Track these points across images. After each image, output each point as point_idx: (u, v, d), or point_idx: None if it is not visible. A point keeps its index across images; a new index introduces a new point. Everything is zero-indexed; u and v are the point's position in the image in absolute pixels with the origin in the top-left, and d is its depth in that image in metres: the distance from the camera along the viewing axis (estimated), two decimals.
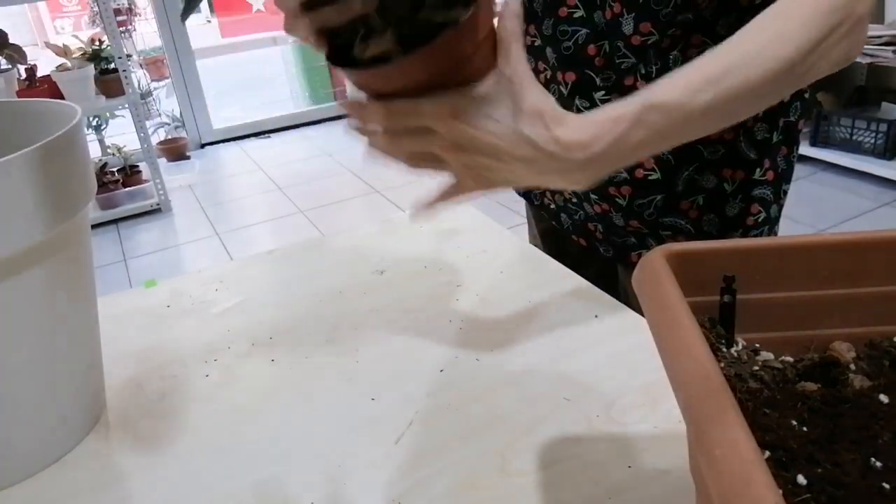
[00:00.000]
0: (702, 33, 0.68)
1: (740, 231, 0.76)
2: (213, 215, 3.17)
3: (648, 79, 0.71)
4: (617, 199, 0.77)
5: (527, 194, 0.93)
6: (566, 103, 0.77)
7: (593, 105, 0.74)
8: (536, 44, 0.78)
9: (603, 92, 0.73)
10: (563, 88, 0.76)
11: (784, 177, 0.76)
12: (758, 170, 0.74)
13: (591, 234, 0.83)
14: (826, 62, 0.50)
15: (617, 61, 0.71)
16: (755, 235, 0.76)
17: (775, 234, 0.80)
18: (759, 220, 0.76)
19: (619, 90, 0.73)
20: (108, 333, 0.66)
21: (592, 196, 0.79)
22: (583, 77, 0.74)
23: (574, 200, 0.83)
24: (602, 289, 0.74)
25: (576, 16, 0.71)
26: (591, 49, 0.71)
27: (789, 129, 0.74)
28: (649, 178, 0.74)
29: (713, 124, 0.49)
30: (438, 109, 0.45)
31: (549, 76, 0.78)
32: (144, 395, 0.64)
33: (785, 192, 0.78)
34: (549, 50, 0.76)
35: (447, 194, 0.53)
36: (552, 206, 0.88)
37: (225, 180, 3.65)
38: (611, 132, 0.46)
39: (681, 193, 0.75)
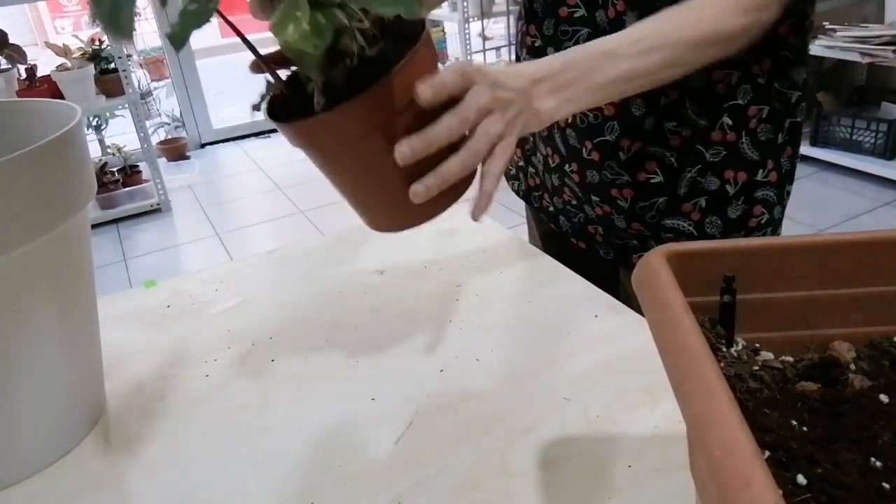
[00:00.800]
0: None
1: (743, 233, 0.76)
2: (213, 215, 3.17)
3: None
4: (619, 202, 0.77)
5: (527, 197, 0.93)
6: None
7: (595, 107, 0.74)
8: (537, 44, 0.77)
9: None
10: None
11: (787, 178, 0.76)
12: (760, 171, 0.74)
13: (591, 236, 0.83)
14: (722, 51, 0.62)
15: None
16: (757, 237, 0.76)
17: (778, 235, 0.80)
18: (763, 221, 0.76)
19: None
20: (108, 333, 0.66)
21: (594, 198, 0.79)
22: None
23: (574, 203, 0.82)
24: (604, 289, 0.74)
25: (577, 15, 0.71)
26: None
27: (795, 130, 0.74)
28: (651, 180, 0.74)
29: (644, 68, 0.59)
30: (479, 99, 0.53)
31: None
32: (144, 395, 0.64)
33: (788, 193, 0.78)
34: (550, 51, 0.76)
35: (488, 182, 0.56)
36: (551, 208, 0.88)
37: (225, 180, 3.65)
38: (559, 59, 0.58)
39: (683, 196, 0.75)
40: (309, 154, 0.55)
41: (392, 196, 0.54)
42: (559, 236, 0.89)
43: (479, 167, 0.55)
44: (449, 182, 0.53)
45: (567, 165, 0.81)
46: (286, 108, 0.53)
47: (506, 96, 0.55)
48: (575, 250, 0.86)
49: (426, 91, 0.50)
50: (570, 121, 0.77)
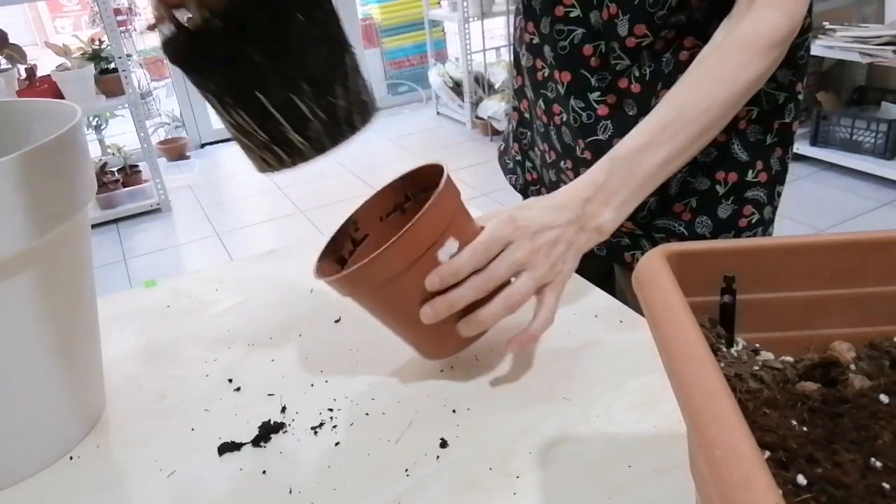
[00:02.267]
0: (694, 35, 0.68)
1: (733, 233, 0.76)
2: (213, 215, 3.17)
3: (642, 81, 0.71)
4: None
5: (524, 191, 0.93)
6: (562, 103, 0.77)
7: (588, 106, 0.74)
8: (535, 41, 0.78)
9: (598, 93, 0.73)
10: (559, 87, 0.76)
11: (778, 178, 0.77)
12: (750, 171, 0.74)
13: None
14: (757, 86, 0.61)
15: (612, 62, 0.71)
16: (748, 237, 0.76)
17: (770, 235, 0.80)
18: (753, 221, 0.76)
19: (614, 91, 0.73)
20: (108, 333, 0.66)
21: None
22: (578, 77, 0.74)
23: None
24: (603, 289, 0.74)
25: (572, 15, 0.71)
26: (587, 49, 0.72)
27: (784, 131, 0.74)
28: None
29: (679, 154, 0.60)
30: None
31: (546, 74, 0.78)
32: (144, 395, 0.64)
33: (779, 194, 0.78)
34: (546, 48, 0.76)
35: (540, 322, 0.58)
36: None
37: (225, 180, 3.65)
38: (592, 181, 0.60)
39: (675, 196, 0.75)
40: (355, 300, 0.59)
41: (431, 331, 0.57)
42: None
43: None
44: (482, 323, 0.56)
45: (562, 162, 0.82)
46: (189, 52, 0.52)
47: (551, 237, 0.56)
48: None
49: (462, 269, 0.53)
50: (564, 119, 0.77)
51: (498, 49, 4.17)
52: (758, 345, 0.40)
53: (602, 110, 0.73)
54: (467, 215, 0.59)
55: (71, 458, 0.57)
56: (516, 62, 0.85)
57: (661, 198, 0.75)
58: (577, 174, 0.78)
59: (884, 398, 0.35)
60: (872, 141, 2.79)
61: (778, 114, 0.73)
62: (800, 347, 0.40)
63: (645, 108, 0.71)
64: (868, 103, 3.01)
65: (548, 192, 0.87)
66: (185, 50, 0.50)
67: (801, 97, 0.74)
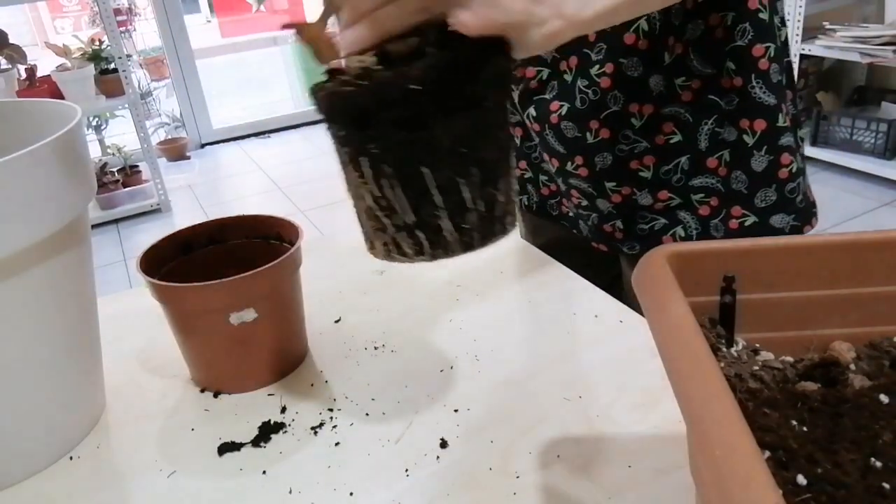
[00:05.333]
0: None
1: (774, 186, 0.71)
2: (214, 215, 3.16)
3: (651, 35, 0.67)
4: (641, 174, 0.74)
5: (542, 208, 0.89)
6: (567, 93, 0.74)
7: (592, 83, 0.71)
8: None
9: (597, 66, 0.71)
10: (567, 76, 0.73)
11: (797, 122, 0.72)
12: (780, 116, 0.69)
13: (609, 236, 0.80)
14: None
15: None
16: (793, 189, 0.72)
17: (808, 187, 0.75)
18: (793, 171, 0.71)
19: (612, 60, 0.69)
20: (108, 333, 0.66)
21: (608, 185, 0.75)
22: (582, 57, 0.71)
23: (585, 203, 0.79)
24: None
25: None
26: None
27: (790, 70, 0.71)
28: (671, 140, 0.71)
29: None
30: None
31: (544, 76, 0.76)
32: (144, 395, 0.64)
33: (802, 140, 0.74)
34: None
35: None
36: (571, 213, 0.84)
37: (225, 180, 3.65)
38: None
39: (706, 150, 0.71)
40: None
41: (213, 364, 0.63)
42: (564, 245, 0.86)
43: None
44: None
45: (569, 164, 0.77)
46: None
47: None
48: (578, 260, 0.82)
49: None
50: (563, 113, 0.74)
51: None
52: (758, 345, 0.40)
53: (605, 83, 0.70)
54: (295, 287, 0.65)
55: (71, 458, 0.57)
56: None
57: (693, 154, 0.72)
58: (591, 169, 0.75)
59: (884, 398, 0.35)
60: (872, 141, 2.79)
61: (784, 51, 0.70)
62: (800, 347, 0.40)
63: (655, 67, 0.67)
64: (868, 103, 3.01)
65: (567, 201, 0.83)
66: (361, 101, 0.41)
67: (784, 38, 0.71)
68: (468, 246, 0.44)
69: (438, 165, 0.41)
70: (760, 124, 0.69)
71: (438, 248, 0.43)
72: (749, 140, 0.70)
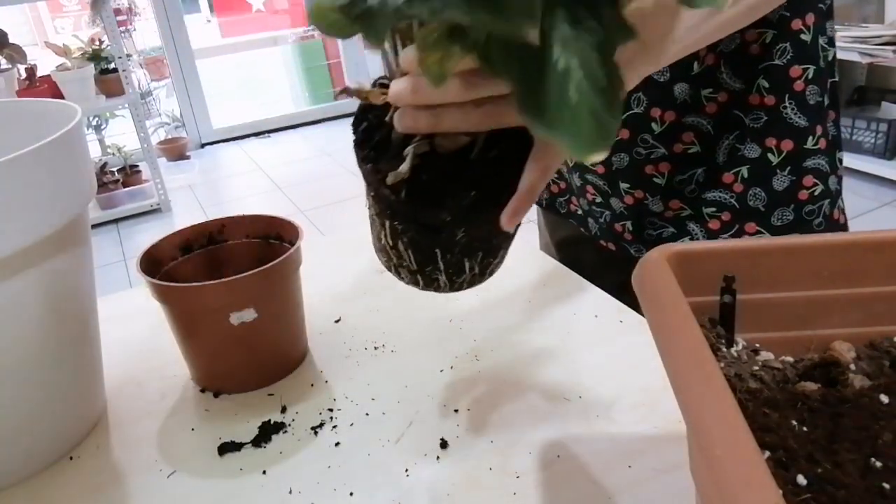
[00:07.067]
0: None
1: (792, 206, 0.70)
2: (214, 215, 3.15)
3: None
4: (654, 179, 0.73)
5: (551, 204, 0.89)
6: None
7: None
8: None
9: None
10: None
11: (836, 144, 0.71)
12: (810, 138, 0.68)
13: (618, 235, 0.79)
14: None
15: None
16: (812, 212, 0.71)
17: (841, 210, 0.73)
18: (816, 193, 0.70)
19: None
20: (108, 333, 0.66)
21: (623, 185, 0.75)
22: None
23: (599, 201, 0.79)
24: (619, 298, 0.72)
25: None
26: None
27: (835, 91, 0.70)
28: (689, 150, 0.71)
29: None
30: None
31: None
32: (144, 395, 0.64)
33: (840, 161, 0.72)
34: None
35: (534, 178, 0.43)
36: (579, 211, 0.84)
37: (225, 180, 3.65)
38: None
39: (723, 164, 0.71)
40: None
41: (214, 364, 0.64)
42: (580, 242, 0.85)
43: None
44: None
45: None
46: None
47: None
48: (591, 257, 0.82)
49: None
50: None
51: None
52: (758, 345, 0.40)
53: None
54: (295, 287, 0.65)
55: (71, 458, 0.57)
56: None
57: (708, 167, 0.71)
58: (607, 166, 0.74)
59: (884, 398, 0.35)
60: (872, 141, 2.79)
61: (830, 72, 0.69)
62: (800, 347, 0.40)
63: (682, 75, 0.67)
64: (868, 103, 3.01)
65: (578, 199, 0.83)
66: (395, 206, 0.43)
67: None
68: (458, 288, 0.50)
69: (452, 251, 0.46)
70: (788, 144, 0.68)
71: (431, 288, 0.49)
72: (774, 159, 0.69)
